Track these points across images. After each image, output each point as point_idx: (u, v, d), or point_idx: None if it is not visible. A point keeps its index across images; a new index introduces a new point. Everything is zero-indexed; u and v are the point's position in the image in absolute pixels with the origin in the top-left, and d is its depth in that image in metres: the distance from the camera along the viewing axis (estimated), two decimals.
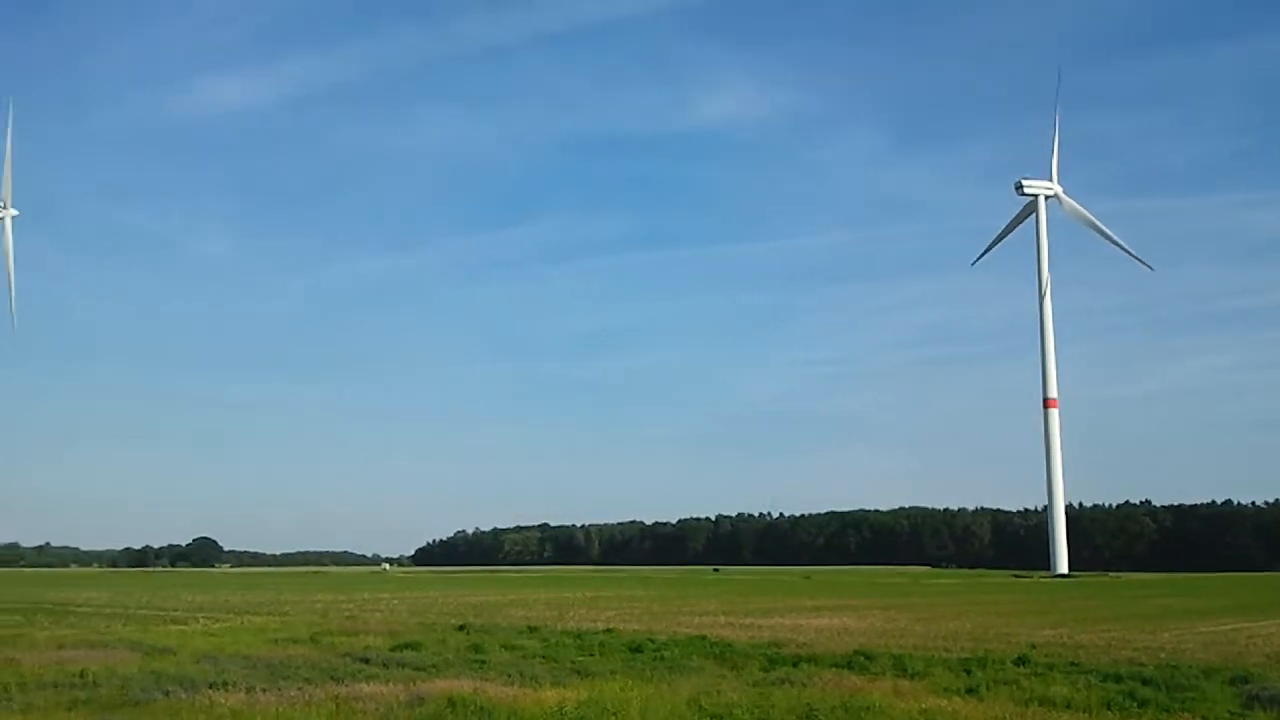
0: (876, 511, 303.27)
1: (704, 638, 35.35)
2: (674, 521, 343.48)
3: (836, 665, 26.82)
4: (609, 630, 38.97)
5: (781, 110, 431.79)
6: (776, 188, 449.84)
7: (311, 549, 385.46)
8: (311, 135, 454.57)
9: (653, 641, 33.61)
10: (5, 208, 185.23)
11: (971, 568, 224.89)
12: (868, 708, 19.38)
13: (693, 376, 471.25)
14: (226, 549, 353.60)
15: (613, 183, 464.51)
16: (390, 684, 22.75)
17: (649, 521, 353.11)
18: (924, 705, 19.95)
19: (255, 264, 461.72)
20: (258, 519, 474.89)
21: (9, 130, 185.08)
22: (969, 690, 22.31)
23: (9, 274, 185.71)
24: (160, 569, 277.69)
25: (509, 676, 24.33)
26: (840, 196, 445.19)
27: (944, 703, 20.30)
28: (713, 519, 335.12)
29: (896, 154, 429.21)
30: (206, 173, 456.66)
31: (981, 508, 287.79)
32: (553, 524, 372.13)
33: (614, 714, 18.85)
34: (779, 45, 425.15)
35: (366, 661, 28.29)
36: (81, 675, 24.11)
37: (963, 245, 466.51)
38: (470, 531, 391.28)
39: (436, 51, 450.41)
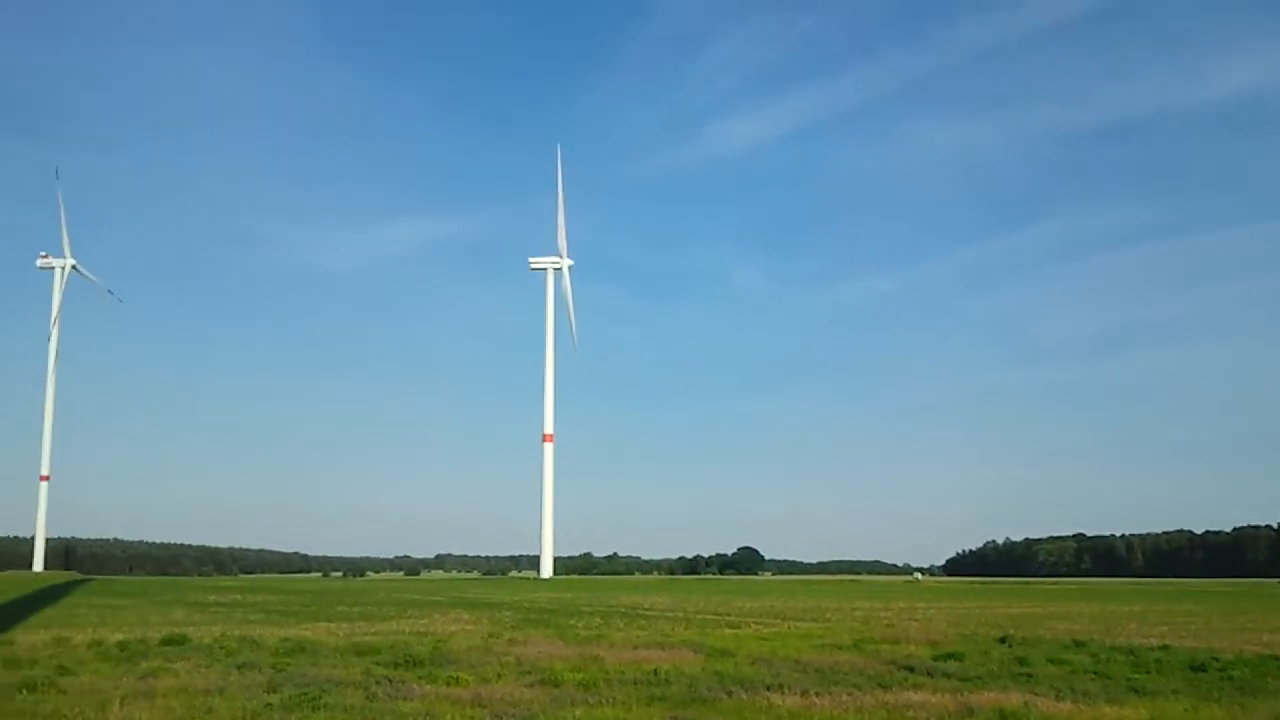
0: None
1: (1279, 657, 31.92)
2: (1229, 530, 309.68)
3: None
4: (1164, 647, 36.32)
5: None
6: None
7: (845, 558, 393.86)
8: (816, 162, 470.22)
9: (1217, 660, 30.91)
10: (562, 257, 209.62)
11: None
12: None
13: (1239, 370, 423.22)
14: (767, 557, 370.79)
15: (1124, 171, 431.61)
16: (937, 693, 23.04)
17: (1199, 530, 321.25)
18: None
19: (777, 288, 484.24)
20: (795, 529, 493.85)
21: (560, 183, 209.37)
22: None
23: (570, 316, 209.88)
24: (710, 576, 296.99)
25: (1058, 692, 23.61)
26: None
27: None
28: (1275, 526, 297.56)
29: None
30: (730, 209, 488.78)
31: None
32: (1089, 533, 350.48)
33: None
34: None
35: (910, 669, 28.74)
36: (655, 673, 26.65)
37: None
38: (1000, 541, 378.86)
39: (927, 65, 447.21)
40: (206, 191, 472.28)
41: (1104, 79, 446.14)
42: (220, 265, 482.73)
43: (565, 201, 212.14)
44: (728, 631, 43.98)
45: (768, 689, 23.74)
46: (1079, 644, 37.74)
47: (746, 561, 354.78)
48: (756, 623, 50.71)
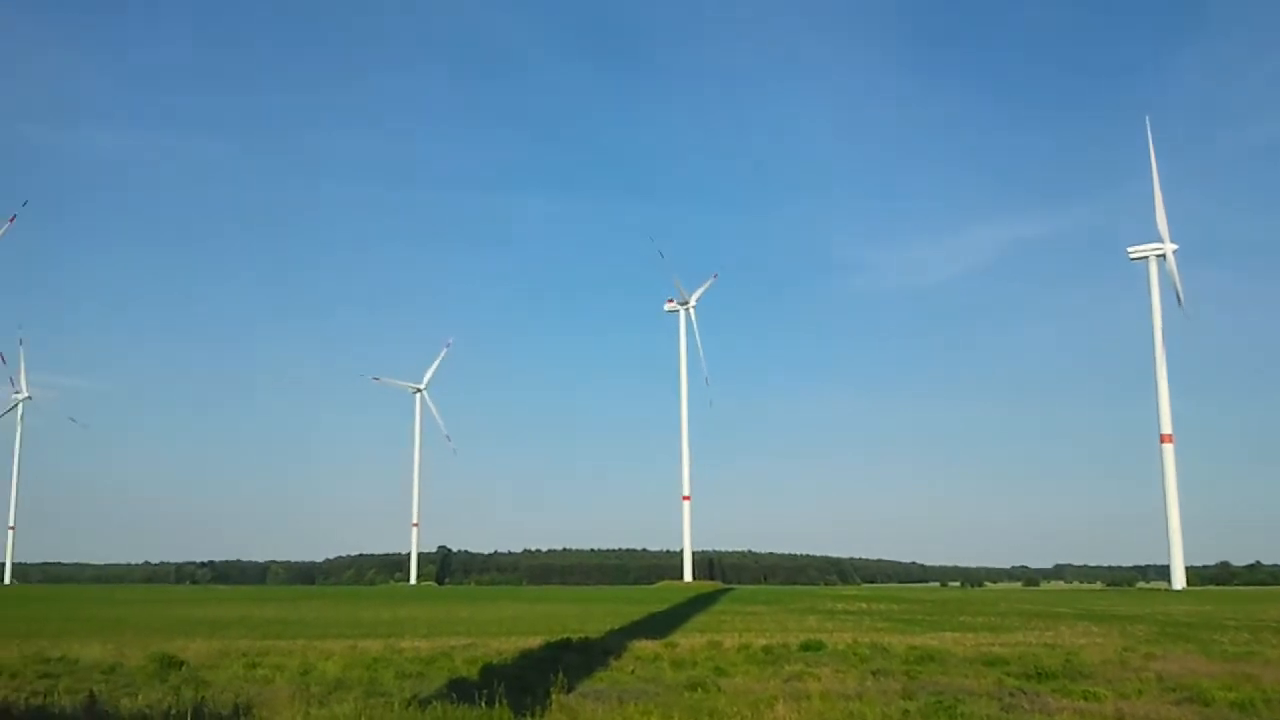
0: None
1: None
2: None
3: None
4: None
5: None
6: None
7: None
8: None
9: None
10: (1164, 242, 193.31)
11: None
12: None
13: None
14: None
15: None
16: None
17: None
18: None
19: None
20: None
21: (1154, 160, 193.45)
22: None
23: (1180, 302, 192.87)
24: None
25: None
26: None
27: None
28: None
29: None
30: None
31: None
32: None
33: None
34: None
35: None
36: None
37: None
38: None
39: None
40: (794, 220, 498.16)
41: None
42: (815, 292, 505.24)
43: (1160, 180, 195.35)
44: None
45: None
46: None
47: None
48: None
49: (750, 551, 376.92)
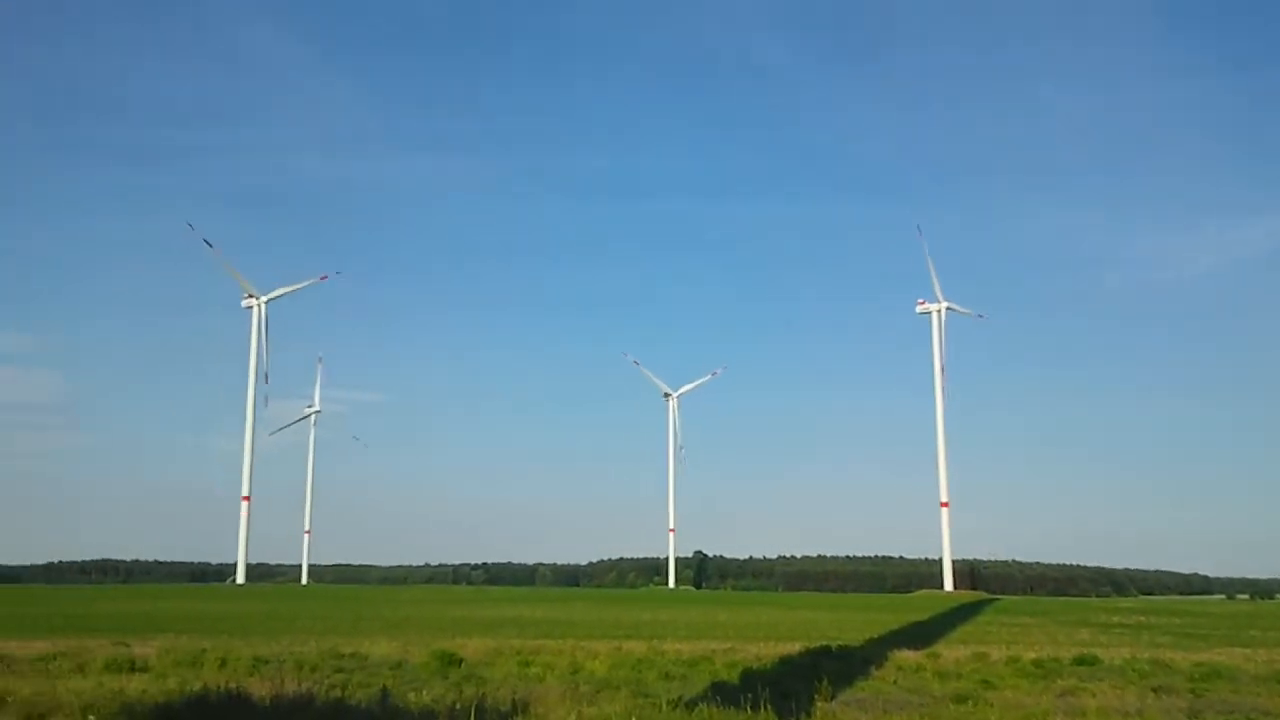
0: None
1: None
2: None
3: None
4: None
5: None
6: None
7: None
8: None
9: None
10: None
11: None
12: None
13: None
14: None
15: None
16: None
17: None
18: None
19: None
20: None
21: None
22: None
23: None
24: None
25: None
26: None
27: None
28: None
29: None
30: None
31: None
32: None
33: None
34: None
35: None
36: None
37: None
38: None
39: None
40: (1050, 219, 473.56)
41: None
42: (1081, 287, 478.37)
43: None
44: None
45: None
46: None
47: None
48: None
49: (1015, 561, 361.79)
